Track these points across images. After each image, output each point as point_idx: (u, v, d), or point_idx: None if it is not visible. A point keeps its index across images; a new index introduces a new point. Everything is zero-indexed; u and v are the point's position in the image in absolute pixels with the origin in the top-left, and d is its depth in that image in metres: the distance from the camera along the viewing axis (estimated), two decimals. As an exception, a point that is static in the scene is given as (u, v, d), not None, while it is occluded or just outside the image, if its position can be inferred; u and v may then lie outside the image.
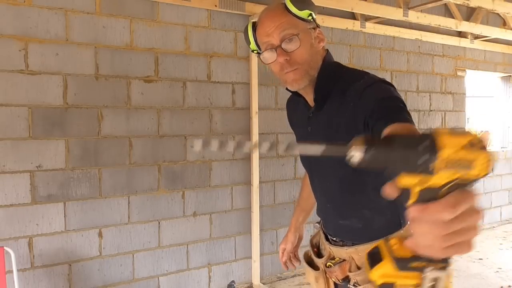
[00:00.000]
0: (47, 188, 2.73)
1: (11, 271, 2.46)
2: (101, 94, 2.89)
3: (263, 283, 3.56)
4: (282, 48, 1.14)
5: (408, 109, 1.03)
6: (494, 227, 5.40)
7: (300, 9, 1.15)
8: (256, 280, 3.53)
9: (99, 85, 2.89)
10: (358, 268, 1.26)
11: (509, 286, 3.57)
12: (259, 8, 3.41)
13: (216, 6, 3.25)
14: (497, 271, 3.90)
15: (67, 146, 2.79)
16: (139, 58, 3.02)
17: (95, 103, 2.88)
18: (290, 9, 1.15)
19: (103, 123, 2.91)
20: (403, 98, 1.07)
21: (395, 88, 1.12)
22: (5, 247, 2.45)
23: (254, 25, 1.24)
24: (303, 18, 1.17)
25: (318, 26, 1.22)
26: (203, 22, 3.28)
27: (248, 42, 1.28)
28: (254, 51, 1.28)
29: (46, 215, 2.74)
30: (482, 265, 4.07)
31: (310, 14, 1.17)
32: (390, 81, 1.24)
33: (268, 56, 1.18)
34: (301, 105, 1.32)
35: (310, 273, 1.43)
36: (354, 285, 1.27)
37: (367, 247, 1.12)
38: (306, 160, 1.39)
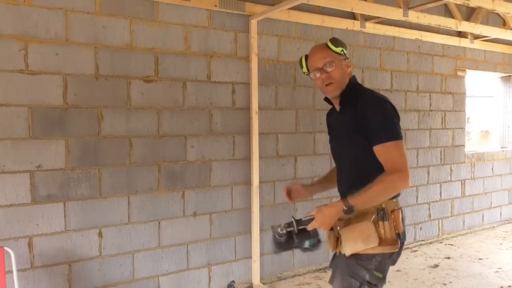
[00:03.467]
0: (47, 188, 2.73)
1: (11, 271, 2.46)
2: (101, 94, 2.89)
3: (263, 283, 3.56)
4: (324, 69, 1.82)
5: (398, 121, 1.73)
6: (494, 227, 5.40)
7: (336, 47, 1.83)
8: (256, 280, 3.53)
9: (99, 85, 2.89)
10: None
11: (509, 286, 3.57)
12: (259, 8, 3.42)
13: (216, 6, 3.25)
14: (497, 271, 3.90)
15: (67, 146, 2.79)
16: (139, 58, 3.02)
17: (95, 103, 2.88)
18: (330, 46, 1.83)
19: (103, 123, 2.91)
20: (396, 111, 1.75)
21: (390, 106, 1.74)
22: (5, 247, 2.45)
23: (306, 57, 1.91)
24: (338, 52, 1.84)
25: (347, 58, 1.88)
26: (203, 22, 3.28)
27: (301, 67, 1.93)
28: (305, 73, 1.94)
29: (46, 215, 2.74)
30: (482, 265, 4.07)
31: (342, 50, 1.84)
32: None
33: (316, 74, 1.84)
34: (334, 111, 2.00)
35: (327, 232, 1.88)
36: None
37: None
38: (335, 150, 2.01)
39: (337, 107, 1.92)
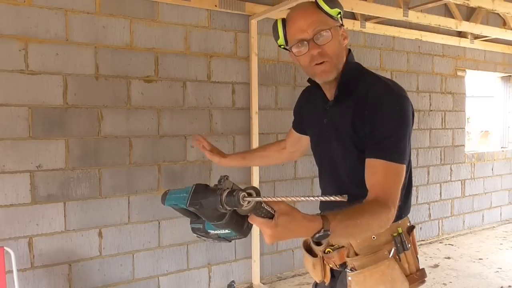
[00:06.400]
0: (47, 188, 2.73)
1: (11, 271, 2.46)
2: (101, 94, 2.89)
3: (263, 283, 3.56)
4: (315, 42, 1.24)
5: (406, 136, 1.22)
6: (494, 227, 5.40)
7: (331, 8, 1.27)
8: (256, 280, 3.53)
9: (99, 85, 2.89)
10: (356, 254, 1.33)
11: (509, 286, 3.57)
12: (259, 8, 3.42)
13: (216, 6, 3.25)
14: (497, 271, 3.90)
15: (67, 146, 2.79)
16: (139, 58, 3.02)
17: (95, 103, 2.88)
18: (322, 7, 1.26)
19: (103, 123, 2.91)
20: (409, 116, 1.24)
21: (407, 105, 1.23)
22: (5, 247, 2.45)
23: (284, 22, 1.32)
24: (333, 16, 1.28)
25: (343, 24, 1.34)
26: (203, 22, 3.28)
27: (277, 37, 1.34)
28: (281, 46, 1.36)
29: (46, 215, 2.74)
30: (482, 265, 4.07)
31: (339, 13, 1.30)
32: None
33: (300, 49, 1.27)
34: (318, 97, 1.43)
35: (308, 259, 1.48)
36: (351, 270, 1.34)
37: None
38: (319, 153, 1.49)
39: (329, 96, 1.36)
